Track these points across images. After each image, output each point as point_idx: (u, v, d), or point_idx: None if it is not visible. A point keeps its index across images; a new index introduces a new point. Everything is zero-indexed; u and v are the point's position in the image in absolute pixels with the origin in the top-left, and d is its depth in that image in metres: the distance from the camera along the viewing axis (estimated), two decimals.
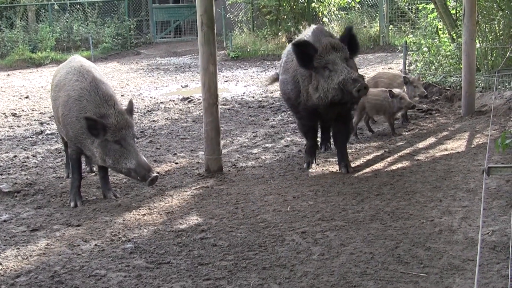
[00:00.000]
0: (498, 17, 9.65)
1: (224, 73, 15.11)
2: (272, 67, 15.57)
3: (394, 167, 6.22)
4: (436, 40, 10.73)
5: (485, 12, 9.67)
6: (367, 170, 6.22)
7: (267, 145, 7.72)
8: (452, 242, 4.16)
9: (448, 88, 9.49)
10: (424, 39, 10.82)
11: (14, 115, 10.66)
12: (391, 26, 18.21)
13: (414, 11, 16.08)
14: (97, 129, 5.36)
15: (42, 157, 7.70)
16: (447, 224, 4.49)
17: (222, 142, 6.75)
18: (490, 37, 9.68)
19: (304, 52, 5.81)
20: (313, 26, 6.53)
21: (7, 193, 6.13)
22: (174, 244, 4.51)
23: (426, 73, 10.20)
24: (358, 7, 19.60)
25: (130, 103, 5.81)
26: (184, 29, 24.14)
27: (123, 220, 5.11)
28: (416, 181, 5.62)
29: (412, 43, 11.41)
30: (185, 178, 6.37)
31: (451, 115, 8.49)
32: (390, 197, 5.24)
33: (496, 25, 9.67)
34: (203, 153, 6.74)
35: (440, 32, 11.11)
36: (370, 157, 6.73)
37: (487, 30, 9.67)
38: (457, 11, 10.44)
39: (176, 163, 7.04)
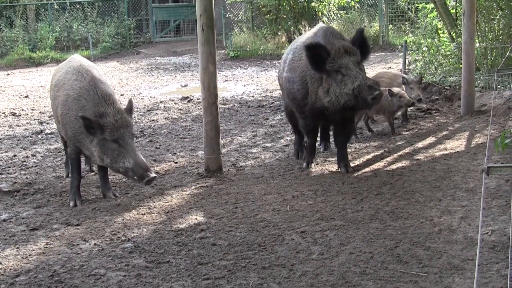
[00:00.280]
0: (497, 17, 9.65)
1: (224, 73, 15.11)
2: (271, 67, 15.57)
3: (393, 166, 6.22)
4: (435, 39, 10.73)
5: (484, 11, 9.67)
6: (367, 169, 6.22)
7: (267, 144, 7.73)
8: (452, 242, 4.16)
9: (448, 88, 9.49)
10: (423, 39, 10.82)
11: (13, 114, 10.66)
12: (390, 25, 18.22)
13: (413, 11, 16.08)
14: (94, 128, 5.36)
15: (41, 156, 7.70)
16: (447, 224, 4.49)
17: (221, 142, 6.75)
18: (490, 36, 9.68)
19: (317, 55, 5.70)
20: (322, 26, 6.32)
21: (7, 192, 6.13)
22: (174, 243, 4.51)
23: (426, 72, 10.20)
24: (357, 7, 19.60)
25: (130, 102, 5.81)
26: (184, 29, 24.13)
27: (123, 220, 5.11)
28: (416, 181, 5.62)
29: (411, 43, 11.42)
30: (184, 178, 6.37)
31: (451, 114, 8.49)
32: (390, 196, 5.25)
33: (495, 25, 9.67)
34: (203, 152, 6.74)
35: (439, 31, 11.11)
36: (369, 156, 6.74)
37: (486, 29, 9.67)
38: (457, 11, 10.44)
39: (176, 163, 7.04)
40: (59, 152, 7.78)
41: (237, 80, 13.87)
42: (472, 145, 6.68)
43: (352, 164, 6.33)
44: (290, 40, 15.79)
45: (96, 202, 5.71)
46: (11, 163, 7.38)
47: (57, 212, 5.48)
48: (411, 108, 8.37)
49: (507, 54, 8.90)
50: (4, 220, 5.29)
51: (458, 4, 10.43)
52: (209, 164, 6.45)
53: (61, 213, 5.44)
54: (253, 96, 11.49)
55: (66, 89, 5.74)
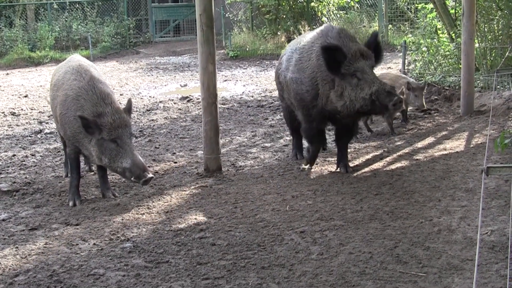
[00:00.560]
0: (497, 17, 9.65)
1: (223, 73, 15.11)
2: (271, 67, 15.56)
3: (393, 166, 6.22)
4: (435, 40, 10.73)
5: (484, 12, 9.66)
6: (366, 169, 6.22)
7: (266, 144, 7.72)
8: (451, 242, 4.16)
9: (447, 88, 9.49)
10: (423, 39, 10.82)
11: (13, 114, 10.65)
12: (390, 25, 18.22)
13: (413, 11, 16.08)
14: (92, 128, 5.37)
15: (41, 156, 7.70)
16: (446, 224, 4.49)
17: (221, 142, 6.75)
18: (489, 37, 9.68)
19: (333, 57, 5.57)
20: (334, 27, 6.09)
21: (6, 192, 6.13)
22: (173, 243, 4.51)
23: (425, 72, 10.20)
24: (357, 7, 19.60)
25: (129, 102, 5.82)
26: (183, 29, 24.12)
27: (122, 219, 5.11)
28: (415, 181, 5.62)
29: (411, 43, 11.41)
30: (184, 178, 6.37)
31: (450, 114, 8.49)
32: (389, 196, 5.25)
33: (495, 25, 9.67)
34: (202, 152, 6.74)
35: (439, 32, 11.11)
36: (369, 156, 6.73)
37: (486, 30, 9.66)
38: (456, 11, 10.44)
39: (175, 163, 7.03)
40: (59, 151, 7.78)
41: (237, 80, 13.87)
42: (472, 145, 6.68)
43: (351, 164, 6.33)
44: (289, 40, 15.75)
45: (96, 202, 5.71)
46: (10, 162, 7.38)
47: (56, 212, 5.48)
48: (410, 108, 8.39)
49: (507, 54, 8.89)
50: (3, 220, 5.28)
51: (457, 5, 10.43)
52: (209, 164, 6.45)
53: (60, 213, 5.44)
54: (252, 96, 11.49)
55: (65, 89, 5.74)
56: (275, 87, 7.57)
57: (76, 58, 6.24)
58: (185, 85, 13.42)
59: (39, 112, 10.80)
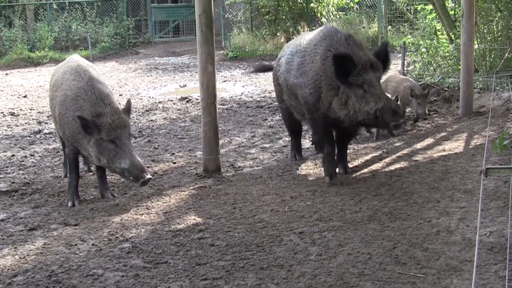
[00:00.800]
0: (496, 18, 9.65)
1: (223, 73, 15.11)
2: None
3: (392, 167, 6.22)
4: (434, 41, 10.73)
5: (483, 13, 9.67)
6: (365, 170, 6.22)
7: (265, 145, 7.72)
8: (450, 243, 4.16)
9: (446, 89, 9.50)
10: (422, 40, 10.82)
11: (12, 114, 10.65)
12: (389, 26, 18.22)
13: (412, 12, 16.08)
14: (91, 128, 5.37)
15: (40, 156, 7.69)
16: (445, 225, 4.49)
17: (220, 142, 6.74)
18: (489, 38, 9.68)
19: (343, 65, 5.39)
20: (339, 32, 5.88)
21: (5, 192, 6.12)
22: (172, 244, 4.51)
23: (425, 74, 10.21)
24: (356, 8, 19.61)
25: (128, 102, 5.82)
26: (183, 29, 24.13)
27: (121, 220, 5.11)
28: (414, 182, 5.62)
29: (410, 44, 11.42)
30: (183, 178, 6.36)
31: (449, 116, 8.49)
32: (388, 197, 5.25)
33: (494, 26, 9.67)
34: (201, 153, 6.74)
35: (438, 33, 11.11)
36: (368, 157, 6.73)
37: (485, 31, 9.67)
38: (456, 12, 10.45)
39: (174, 163, 7.03)
40: (58, 152, 7.77)
41: (236, 81, 13.87)
42: (471, 146, 6.68)
43: (350, 165, 6.33)
44: (288, 41, 15.75)
45: (94, 202, 5.70)
46: (9, 162, 7.37)
47: (55, 212, 5.47)
48: (409, 109, 8.38)
49: (506, 55, 8.90)
50: (2, 220, 5.28)
51: (457, 6, 10.44)
52: (208, 164, 6.45)
53: (59, 213, 5.43)
54: (251, 97, 11.49)
55: (64, 89, 5.74)
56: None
57: (75, 59, 6.24)
58: (184, 86, 13.41)
59: (38, 112, 10.79)
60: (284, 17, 19.42)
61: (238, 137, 8.27)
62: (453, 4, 10.76)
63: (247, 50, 18.42)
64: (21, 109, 11.05)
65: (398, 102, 7.44)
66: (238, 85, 13.24)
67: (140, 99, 11.77)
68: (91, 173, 6.68)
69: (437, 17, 10.90)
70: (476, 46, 9.04)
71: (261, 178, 6.18)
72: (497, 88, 8.56)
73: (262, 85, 12.89)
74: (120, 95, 12.05)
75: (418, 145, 7.04)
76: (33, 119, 10.21)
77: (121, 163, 5.37)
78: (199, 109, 7.22)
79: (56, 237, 4.78)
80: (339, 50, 5.57)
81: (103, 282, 3.91)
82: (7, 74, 17.06)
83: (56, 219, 5.26)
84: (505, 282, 3.48)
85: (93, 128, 5.36)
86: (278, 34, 19.01)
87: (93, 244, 4.57)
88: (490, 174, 3.32)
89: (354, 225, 4.65)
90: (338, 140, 6.30)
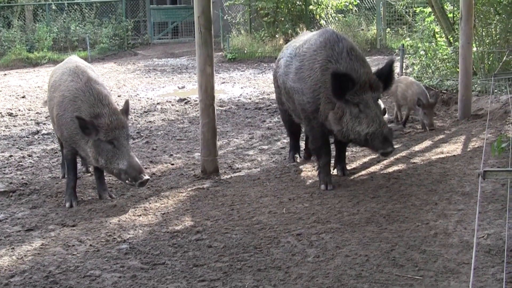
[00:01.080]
0: (495, 21, 9.68)
1: (221, 75, 15.11)
2: (269, 69, 15.56)
3: (390, 170, 6.22)
4: (433, 43, 10.76)
5: (482, 16, 9.69)
6: (363, 172, 6.22)
7: (263, 147, 7.72)
8: (447, 245, 4.16)
9: (445, 92, 9.51)
10: (421, 43, 10.85)
11: (10, 114, 10.64)
12: (388, 29, 18.26)
13: (411, 15, 16.12)
14: (89, 129, 5.36)
15: (37, 157, 7.69)
16: (443, 227, 4.49)
17: (218, 144, 6.74)
18: (487, 41, 9.70)
19: (341, 84, 5.27)
20: (343, 42, 5.66)
21: (3, 192, 6.11)
22: (169, 245, 4.51)
23: (423, 76, 10.22)
24: (355, 10, 19.63)
25: (126, 103, 5.82)
26: (182, 30, 24.13)
27: (118, 221, 5.10)
28: (412, 184, 5.62)
29: (409, 46, 11.44)
30: (181, 179, 6.36)
31: (448, 118, 8.50)
32: (386, 200, 5.25)
33: (493, 29, 9.70)
34: (199, 154, 6.74)
35: (437, 35, 11.14)
36: (366, 159, 6.74)
37: (484, 34, 9.69)
38: (454, 15, 10.47)
39: (172, 164, 7.03)
40: (56, 152, 7.76)
41: (235, 82, 13.87)
42: (469, 149, 6.69)
43: (348, 167, 6.33)
44: (287, 43, 15.76)
45: (92, 203, 5.70)
46: (7, 163, 7.36)
47: (52, 213, 5.46)
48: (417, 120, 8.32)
49: (504, 58, 8.92)
50: (0, 221, 5.27)
51: (455, 9, 10.46)
52: (206, 166, 6.45)
53: (56, 214, 5.43)
54: (250, 99, 11.49)
55: (62, 90, 5.74)
56: (273, 90, 7.56)
57: (73, 60, 6.24)
58: (183, 87, 13.41)
59: (36, 113, 10.78)
60: (283, 19, 19.44)
61: (236, 138, 8.27)
62: (452, 7, 10.78)
63: (246, 51, 18.43)
64: (19, 110, 11.04)
65: (396, 109, 7.46)
66: (237, 86, 13.24)
67: (139, 100, 11.76)
68: (89, 174, 6.68)
69: (435, 19, 10.93)
70: (474, 49, 9.06)
71: (259, 180, 6.18)
72: (495, 91, 8.58)
73: (261, 87, 12.89)
74: (118, 96, 12.04)
75: (416, 148, 7.05)
76: (31, 119, 10.20)
77: (119, 164, 5.36)
78: (198, 110, 7.22)
79: (54, 238, 4.77)
80: (339, 66, 5.45)
81: (101, 283, 3.91)
82: (5, 74, 17.05)
83: (54, 220, 5.25)
84: (502, 285, 3.48)
85: (91, 129, 5.36)
86: (277, 36, 19.03)
87: (90, 245, 4.57)
88: (488, 177, 3.32)
89: (352, 227, 4.65)
90: (336, 142, 6.29)
